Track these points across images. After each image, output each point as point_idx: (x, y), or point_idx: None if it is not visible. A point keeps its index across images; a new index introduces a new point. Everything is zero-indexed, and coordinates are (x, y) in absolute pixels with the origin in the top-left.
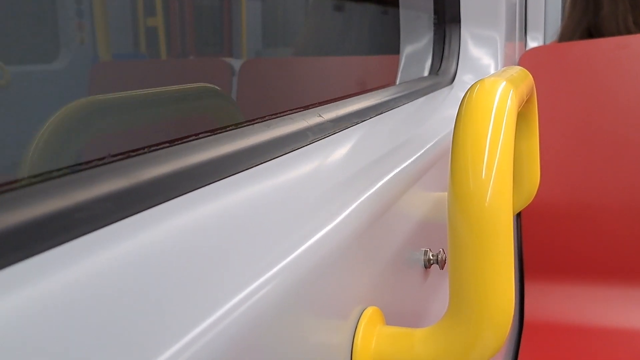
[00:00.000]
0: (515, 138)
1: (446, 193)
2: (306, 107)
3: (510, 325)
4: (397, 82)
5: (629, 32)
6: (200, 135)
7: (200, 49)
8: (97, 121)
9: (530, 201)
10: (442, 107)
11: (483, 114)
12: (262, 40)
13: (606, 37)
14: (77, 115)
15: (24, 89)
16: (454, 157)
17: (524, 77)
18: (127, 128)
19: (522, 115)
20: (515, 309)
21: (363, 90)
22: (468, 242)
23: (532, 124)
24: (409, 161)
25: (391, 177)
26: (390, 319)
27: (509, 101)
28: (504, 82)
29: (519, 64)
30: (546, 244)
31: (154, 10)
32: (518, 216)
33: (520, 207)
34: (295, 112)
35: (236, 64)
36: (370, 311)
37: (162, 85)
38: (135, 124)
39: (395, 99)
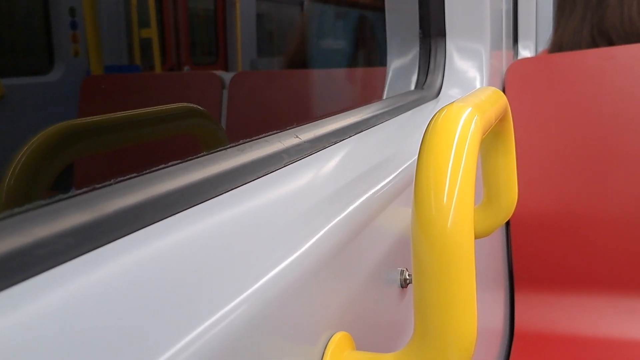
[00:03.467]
0: (491, 157)
1: None
2: (283, 129)
3: (473, 348)
4: (385, 95)
5: (631, 22)
6: (169, 164)
7: (194, 61)
8: (76, 146)
9: (509, 217)
10: (426, 122)
11: (446, 141)
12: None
13: (608, 28)
14: (56, 140)
15: (18, 101)
16: (417, 182)
17: (496, 99)
18: (108, 152)
19: (497, 134)
20: (505, 319)
21: (351, 101)
22: (431, 267)
23: (508, 142)
24: (387, 179)
25: (367, 197)
26: (362, 343)
27: (472, 127)
28: (470, 109)
29: (505, 76)
30: (535, 254)
31: (147, 21)
32: (507, 226)
33: (500, 223)
34: (271, 135)
35: (227, 76)
36: (338, 336)
37: (151, 99)
38: (117, 148)
39: (378, 115)
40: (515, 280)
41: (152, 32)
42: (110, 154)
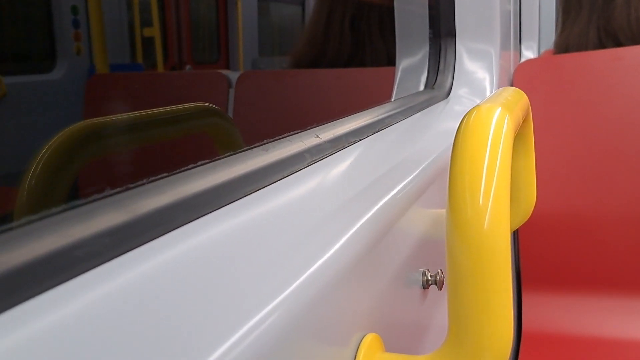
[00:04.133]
0: (512, 159)
1: (445, 210)
2: (303, 129)
3: (510, 350)
4: (394, 96)
5: (638, 22)
6: (198, 164)
7: (196, 59)
8: (94, 146)
9: (527, 218)
10: (438, 122)
11: (479, 141)
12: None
13: (615, 29)
14: (74, 141)
15: (20, 99)
16: (452, 184)
17: (519, 99)
18: (126, 151)
19: (518, 136)
20: (513, 321)
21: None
22: (466, 268)
23: (529, 144)
24: (408, 179)
25: (390, 198)
26: (390, 344)
27: (504, 127)
28: (500, 108)
29: (513, 77)
30: (543, 256)
31: (150, 20)
32: None
33: (518, 224)
34: (292, 135)
35: (233, 76)
36: (369, 338)
37: (157, 98)
38: (134, 147)
39: (391, 115)
40: (522, 281)
41: (154, 31)
42: (125, 155)
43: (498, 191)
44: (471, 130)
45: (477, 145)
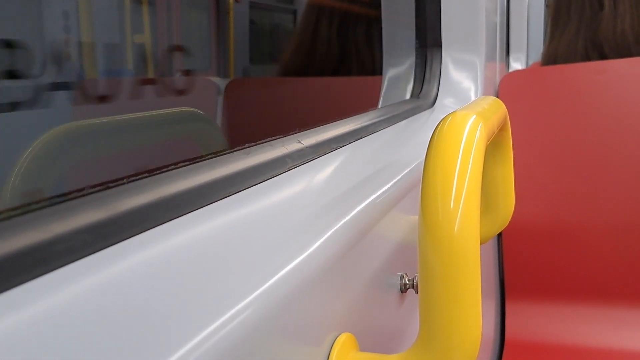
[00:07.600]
0: (489, 165)
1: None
2: (286, 134)
3: (477, 351)
4: (380, 104)
5: (623, 35)
6: (179, 165)
7: (187, 67)
8: (79, 147)
9: (505, 225)
10: (422, 131)
11: (452, 147)
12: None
13: (601, 41)
14: (60, 142)
15: (7, 105)
16: (424, 187)
17: (497, 108)
18: (111, 154)
19: (496, 143)
20: (496, 328)
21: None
22: (437, 270)
23: (507, 151)
24: (387, 185)
25: (369, 203)
26: (366, 344)
27: (477, 134)
28: (474, 116)
29: (498, 88)
30: (527, 264)
31: (141, 27)
32: (499, 236)
33: (496, 231)
34: (274, 139)
35: (222, 83)
36: (343, 337)
37: (146, 103)
38: (119, 150)
39: (375, 123)
40: (506, 289)
41: (145, 38)
42: (108, 157)
43: (469, 195)
44: (445, 136)
45: (450, 150)
